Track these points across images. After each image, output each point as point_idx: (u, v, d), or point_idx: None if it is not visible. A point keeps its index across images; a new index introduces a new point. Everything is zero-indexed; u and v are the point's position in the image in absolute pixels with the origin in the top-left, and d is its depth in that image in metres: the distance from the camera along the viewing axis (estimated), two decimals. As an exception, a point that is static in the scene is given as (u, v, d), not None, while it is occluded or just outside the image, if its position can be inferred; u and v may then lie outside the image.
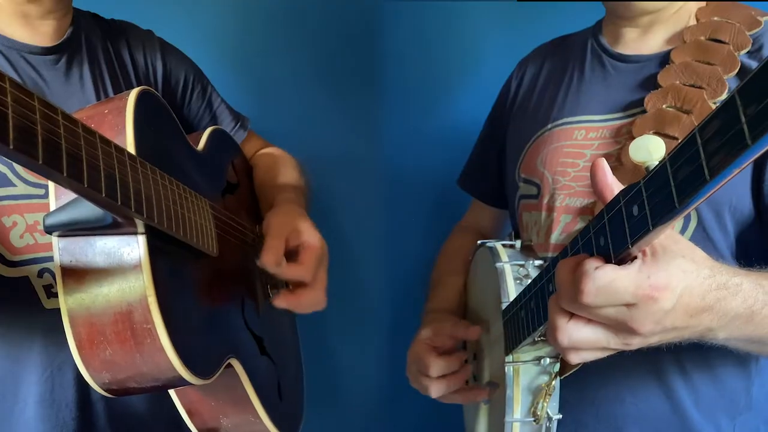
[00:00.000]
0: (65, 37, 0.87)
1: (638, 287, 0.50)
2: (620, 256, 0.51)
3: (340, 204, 1.46)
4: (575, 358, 0.58)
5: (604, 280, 0.50)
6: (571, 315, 0.55)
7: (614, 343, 0.56)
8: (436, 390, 0.91)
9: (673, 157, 0.44)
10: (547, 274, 0.66)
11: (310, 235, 0.86)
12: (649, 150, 0.48)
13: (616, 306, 0.52)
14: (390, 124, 1.45)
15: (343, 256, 1.46)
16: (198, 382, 0.66)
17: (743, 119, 0.36)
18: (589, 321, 0.55)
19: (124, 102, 0.68)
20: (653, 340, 0.56)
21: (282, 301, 0.85)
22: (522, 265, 0.84)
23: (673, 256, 0.52)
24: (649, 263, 0.51)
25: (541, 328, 0.70)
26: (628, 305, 0.52)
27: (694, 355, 0.80)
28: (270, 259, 0.80)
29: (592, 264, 0.52)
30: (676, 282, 0.52)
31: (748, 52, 0.79)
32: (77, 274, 0.63)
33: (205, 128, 0.96)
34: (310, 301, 0.86)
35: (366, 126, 1.46)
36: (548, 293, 0.65)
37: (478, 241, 0.96)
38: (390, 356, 1.52)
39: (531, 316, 0.71)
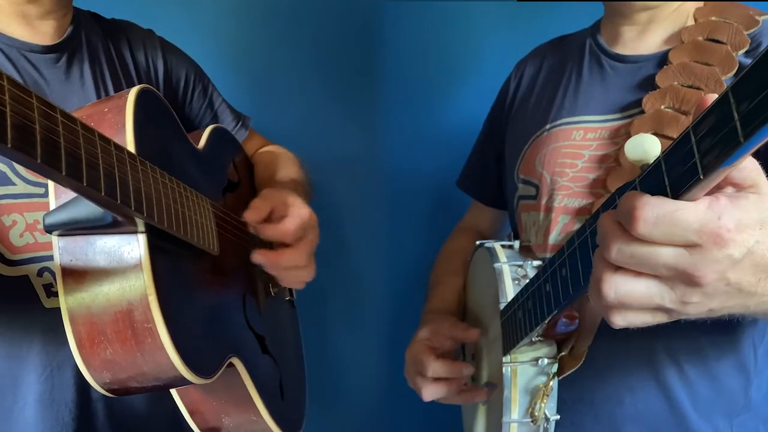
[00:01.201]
0: (66, 35, 0.87)
1: (705, 224, 0.42)
2: None
3: (340, 204, 1.46)
4: (620, 320, 0.49)
5: (666, 209, 0.43)
6: (617, 268, 0.47)
7: (669, 299, 0.47)
8: (429, 393, 0.90)
9: (667, 156, 0.44)
10: (543, 274, 0.66)
11: (297, 206, 0.86)
12: (645, 149, 0.47)
13: (675, 247, 0.44)
14: (390, 124, 1.45)
15: (343, 256, 1.47)
16: (199, 381, 0.66)
17: (736, 117, 0.36)
18: (640, 273, 0.47)
19: (124, 100, 0.68)
20: (715, 304, 0.48)
21: (260, 256, 0.84)
22: (520, 266, 0.84)
23: (753, 202, 0.44)
24: (722, 202, 0.43)
25: (538, 328, 0.70)
26: (691, 246, 0.44)
27: (692, 355, 0.80)
28: (252, 216, 0.80)
29: (644, 194, 0.44)
30: (750, 230, 0.44)
31: (745, 51, 0.79)
32: (77, 274, 0.63)
33: (206, 127, 0.96)
34: (288, 259, 0.85)
35: (366, 126, 1.46)
36: (545, 293, 0.65)
37: (477, 242, 0.96)
38: (390, 356, 1.52)
39: (528, 317, 0.71)
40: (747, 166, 0.43)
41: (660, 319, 0.49)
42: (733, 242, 0.43)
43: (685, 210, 0.42)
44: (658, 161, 0.45)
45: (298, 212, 0.86)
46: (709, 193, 0.43)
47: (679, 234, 0.43)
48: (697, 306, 0.47)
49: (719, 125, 0.38)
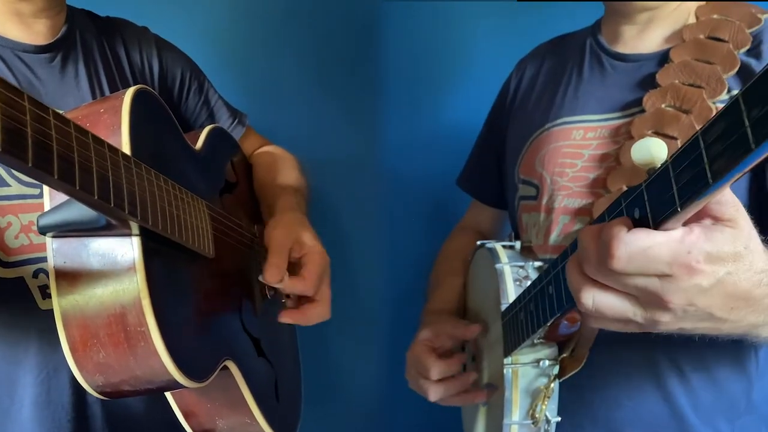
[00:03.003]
0: (60, 35, 0.86)
1: (676, 256, 0.45)
2: None
3: (340, 204, 1.46)
4: (596, 324, 0.54)
5: (639, 245, 0.45)
6: (595, 281, 0.50)
7: (641, 316, 0.50)
8: (434, 393, 0.90)
9: (675, 160, 0.43)
10: (546, 276, 0.66)
11: (312, 247, 0.86)
12: (651, 152, 0.46)
13: (648, 276, 0.47)
14: (389, 124, 1.45)
15: (343, 256, 1.46)
16: (192, 385, 0.66)
17: (747, 123, 0.35)
18: (615, 289, 0.50)
19: (120, 101, 0.67)
20: (686, 325, 0.52)
21: (287, 317, 0.84)
22: (522, 267, 0.84)
23: (728, 235, 0.46)
24: (695, 234, 0.45)
25: (540, 330, 0.69)
26: (661, 276, 0.47)
27: (692, 358, 0.80)
28: (273, 278, 0.79)
29: (622, 228, 0.46)
30: (721, 262, 0.46)
31: (747, 49, 0.78)
32: (71, 276, 0.62)
33: (203, 125, 0.95)
34: (315, 315, 0.85)
35: (365, 126, 1.46)
36: (548, 295, 0.65)
37: (478, 242, 0.96)
38: (390, 357, 1.52)
39: (530, 319, 0.70)
40: (727, 200, 0.45)
41: (633, 329, 0.53)
42: (702, 273, 0.46)
43: (658, 247, 0.45)
44: (665, 166, 0.45)
45: (315, 259, 0.85)
46: (688, 222, 0.46)
47: (652, 267, 0.46)
48: (668, 324, 0.51)
49: (729, 131, 0.37)
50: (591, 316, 0.52)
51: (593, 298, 0.50)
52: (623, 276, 0.47)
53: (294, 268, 0.84)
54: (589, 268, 0.50)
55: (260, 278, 0.79)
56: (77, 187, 0.49)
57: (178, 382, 0.64)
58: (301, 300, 0.86)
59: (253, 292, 0.90)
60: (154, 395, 0.81)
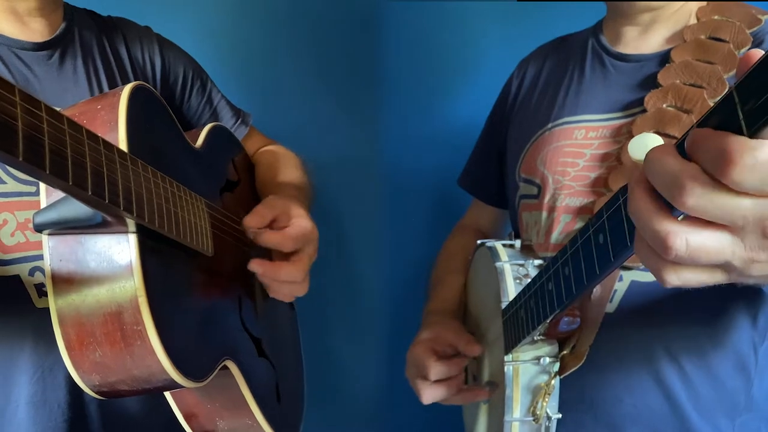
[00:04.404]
0: (57, 32, 0.86)
1: None
2: (619, 254, 0.50)
3: (341, 204, 1.46)
4: (675, 279, 0.43)
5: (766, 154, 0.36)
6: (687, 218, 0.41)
7: (739, 257, 0.41)
8: (429, 395, 0.90)
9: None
10: (546, 272, 0.66)
11: (300, 218, 0.85)
12: (648, 148, 0.47)
13: (763, 197, 0.38)
14: (390, 123, 1.45)
15: (343, 256, 1.47)
16: (190, 385, 0.65)
17: (741, 116, 0.35)
18: (710, 224, 0.40)
19: (118, 97, 0.67)
20: None
21: (256, 264, 0.82)
22: (522, 265, 0.84)
23: None
24: None
25: (540, 327, 0.70)
26: None
27: (693, 355, 0.80)
28: (252, 221, 0.78)
29: (742, 138, 0.36)
30: None
31: (747, 49, 0.78)
32: (67, 274, 0.61)
33: (205, 125, 0.95)
34: (286, 273, 0.83)
35: (366, 125, 1.46)
36: (547, 292, 0.65)
37: (478, 241, 0.96)
38: (390, 356, 1.51)
39: (531, 316, 0.71)
40: None
41: (718, 278, 0.43)
42: None
43: None
44: None
45: (300, 224, 0.85)
46: None
47: None
48: (763, 266, 0.42)
49: (724, 124, 0.37)
50: (672, 267, 0.43)
51: (686, 240, 0.40)
52: (735, 196, 0.38)
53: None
54: (688, 195, 0.39)
55: (243, 221, 0.79)
56: (70, 183, 0.49)
57: (175, 382, 0.63)
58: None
59: (254, 292, 0.90)
60: (152, 395, 0.81)
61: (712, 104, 0.76)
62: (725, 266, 0.42)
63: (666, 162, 0.41)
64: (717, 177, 0.37)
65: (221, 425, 0.83)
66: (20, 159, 0.43)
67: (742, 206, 0.38)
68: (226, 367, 0.76)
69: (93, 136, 0.53)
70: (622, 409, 0.82)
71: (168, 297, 0.66)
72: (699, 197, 0.39)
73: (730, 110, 0.36)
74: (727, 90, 0.76)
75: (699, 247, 0.40)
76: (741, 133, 0.35)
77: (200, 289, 0.75)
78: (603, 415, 0.83)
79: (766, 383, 0.84)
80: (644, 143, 0.47)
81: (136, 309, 0.60)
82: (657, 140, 0.47)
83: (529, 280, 0.78)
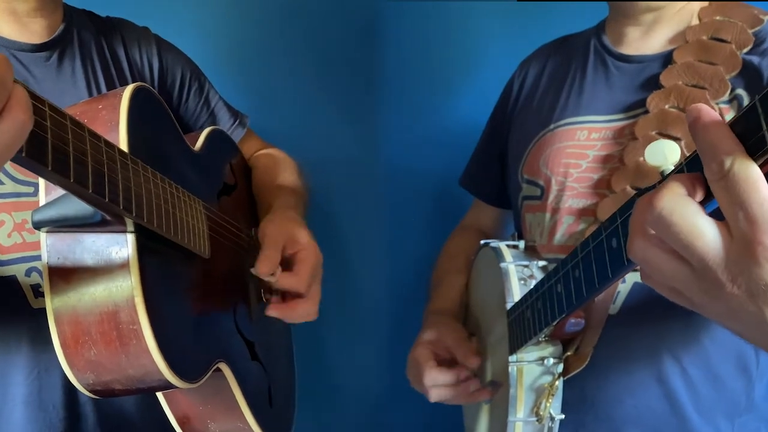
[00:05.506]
0: (56, 33, 0.86)
1: None
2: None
3: (340, 204, 1.45)
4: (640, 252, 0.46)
5: None
6: None
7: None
8: (434, 396, 0.91)
9: (690, 163, 0.43)
10: (555, 275, 0.66)
11: (306, 245, 0.85)
12: (665, 154, 0.47)
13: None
14: (390, 124, 1.44)
15: (343, 256, 1.46)
16: (184, 385, 0.65)
17: (764, 127, 0.36)
18: None
19: (119, 98, 0.67)
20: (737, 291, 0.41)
21: (274, 311, 0.83)
22: (526, 266, 0.84)
23: None
24: None
25: (547, 329, 0.70)
26: None
27: (694, 356, 0.80)
28: (265, 269, 0.79)
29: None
30: None
31: (749, 50, 0.79)
32: (64, 272, 0.61)
33: (203, 126, 0.95)
34: (302, 311, 0.85)
35: (366, 126, 1.45)
36: (556, 294, 0.66)
37: (481, 241, 0.96)
38: (390, 357, 1.50)
39: (538, 317, 0.71)
40: None
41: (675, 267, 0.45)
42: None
43: None
44: (680, 168, 0.45)
45: (309, 256, 0.85)
46: None
47: None
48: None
49: (747, 135, 0.37)
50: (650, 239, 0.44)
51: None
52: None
53: (287, 264, 0.83)
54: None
55: (252, 270, 0.79)
56: (72, 180, 0.49)
57: (169, 382, 0.63)
58: (291, 296, 0.85)
59: (249, 295, 0.90)
60: (147, 395, 0.80)
61: (714, 105, 0.77)
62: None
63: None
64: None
65: (213, 427, 0.83)
66: (24, 155, 0.43)
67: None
68: (219, 370, 0.76)
69: (95, 135, 0.54)
70: (622, 409, 0.82)
71: (164, 297, 0.66)
72: None
73: (753, 121, 0.37)
74: (731, 93, 0.76)
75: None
76: (764, 143, 0.35)
77: (196, 290, 0.75)
78: (604, 415, 0.83)
79: (766, 385, 0.84)
80: (662, 149, 0.47)
81: (132, 308, 0.60)
82: (673, 146, 0.47)
83: (534, 281, 0.79)
